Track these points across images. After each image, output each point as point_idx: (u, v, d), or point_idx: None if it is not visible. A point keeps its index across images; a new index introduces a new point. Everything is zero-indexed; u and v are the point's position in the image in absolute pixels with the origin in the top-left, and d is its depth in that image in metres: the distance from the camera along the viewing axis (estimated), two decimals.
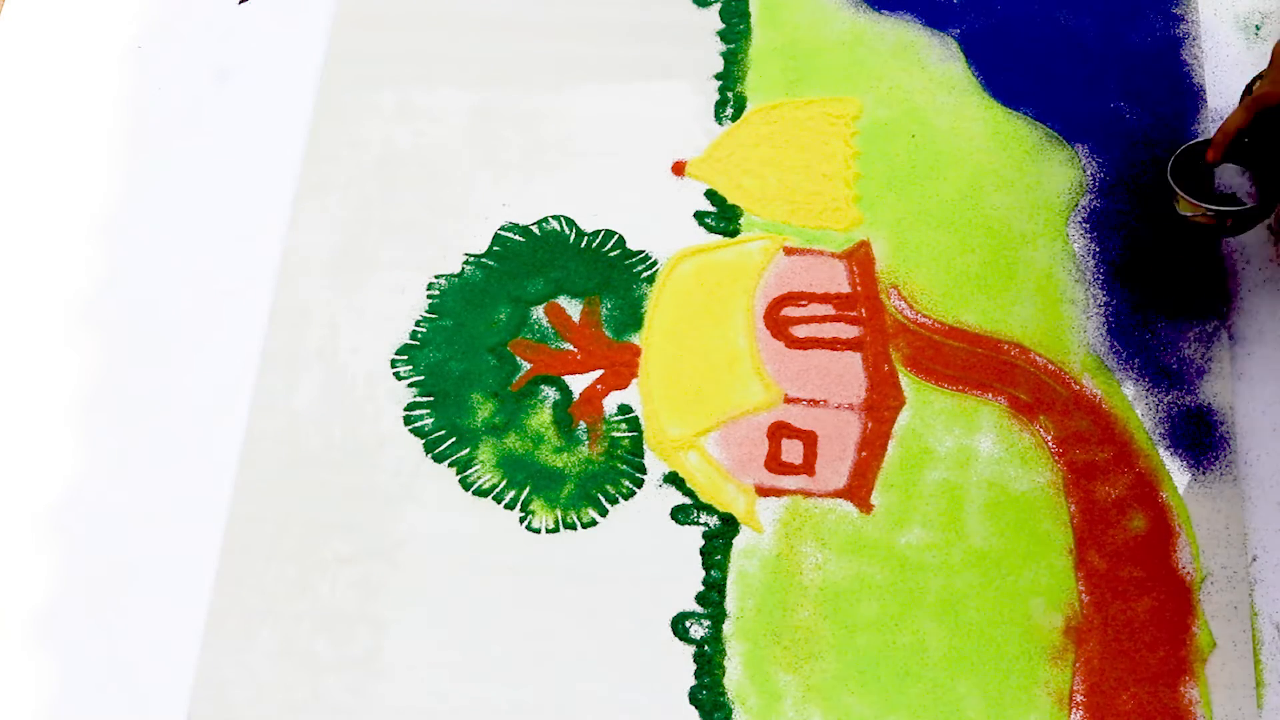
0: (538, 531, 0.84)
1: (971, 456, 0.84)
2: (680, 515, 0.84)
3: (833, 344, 0.88)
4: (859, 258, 0.91)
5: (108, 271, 0.95)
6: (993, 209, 0.91)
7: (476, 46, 1.00)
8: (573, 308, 0.91)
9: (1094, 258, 0.89)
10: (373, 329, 0.91)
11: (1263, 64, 0.93)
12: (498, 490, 0.85)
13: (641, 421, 0.87)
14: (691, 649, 0.81)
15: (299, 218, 0.95)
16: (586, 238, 0.93)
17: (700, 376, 0.88)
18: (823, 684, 0.79)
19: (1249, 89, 0.92)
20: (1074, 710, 0.78)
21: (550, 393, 0.88)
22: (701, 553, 0.83)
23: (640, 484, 0.85)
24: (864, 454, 0.85)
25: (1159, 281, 0.88)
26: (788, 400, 0.87)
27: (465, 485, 0.86)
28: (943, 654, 0.79)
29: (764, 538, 0.83)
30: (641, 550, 0.83)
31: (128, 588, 0.85)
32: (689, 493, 0.85)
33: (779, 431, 0.86)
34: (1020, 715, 0.78)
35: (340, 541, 0.85)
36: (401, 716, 0.80)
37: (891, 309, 0.89)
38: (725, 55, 0.98)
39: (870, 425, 0.86)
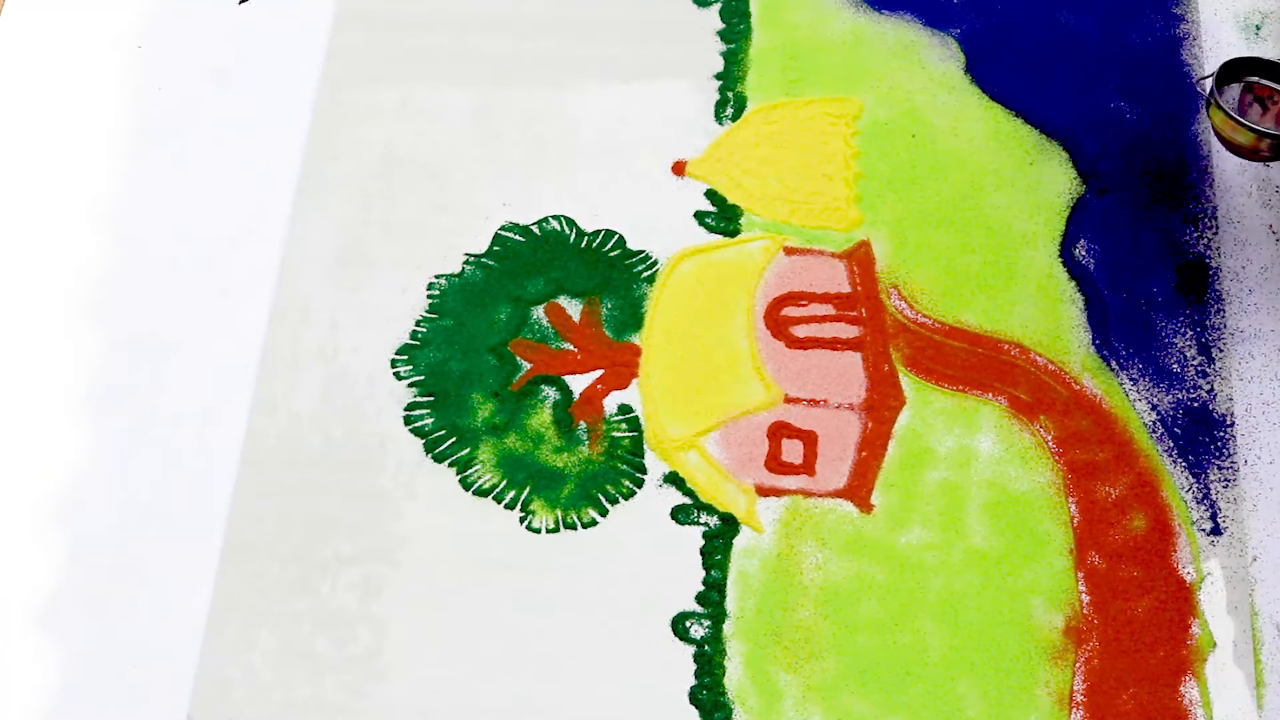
0: (538, 531, 0.84)
1: (971, 456, 0.84)
2: (680, 515, 0.84)
3: (833, 344, 0.88)
4: (859, 258, 0.91)
5: (109, 272, 0.95)
6: (993, 209, 0.91)
7: (477, 46, 1.00)
8: (573, 308, 0.91)
9: (1094, 258, 0.89)
10: (373, 329, 0.91)
11: None
12: (498, 490, 0.85)
13: (641, 421, 0.87)
14: (691, 649, 0.81)
15: (299, 217, 0.95)
16: (586, 238, 0.93)
17: (700, 376, 0.88)
18: (823, 684, 0.79)
19: (1248, 85, 0.92)
20: (1074, 710, 0.78)
21: (550, 393, 0.88)
22: (701, 553, 0.83)
23: (640, 484, 0.85)
24: (864, 454, 0.85)
25: (1159, 281, 0.88)
26: (788, 400, 0.87)
27: (465, 485, 0.86)
28: (943, 654, 0.79)
29: (764, 538, 0.83)
30: (641, 550, 0.83)
31: (128, 587, 0.85)
32: (689, 493, 0.85)
33: (779, 431, 0.86)
34: (1020, 715, 0.78)
35: (340, 541, 0.85)
36: (401, 716, 0.80)
37: (892, 309, 0.89)
38: (725, 55, 0.98)
39: (870, 425, 0.86)
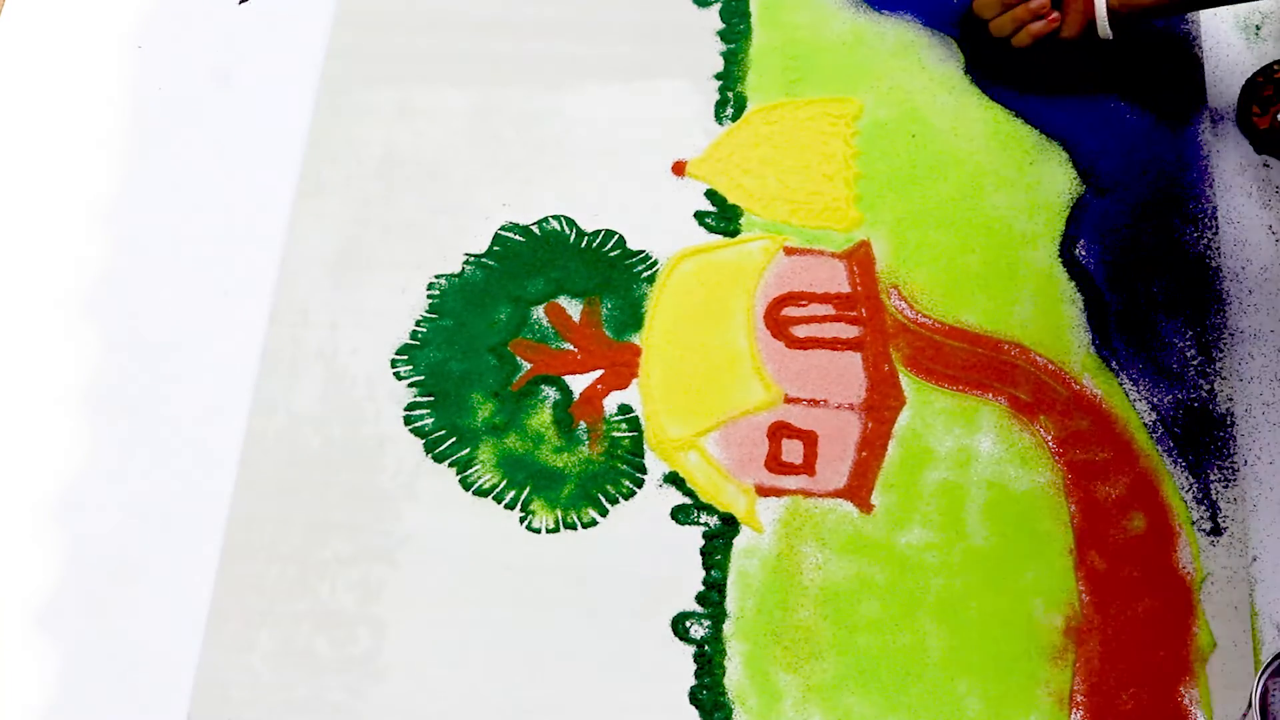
0: (538, 531, 0.84)
1: (971, 456, 0.84)
2: (680, 515, 0.84)
3: (833, 344, 0.88)
4: (859, 258, 0.91)
5: (108, 272, 0.95)
6: (993, 209, 0.91)
7: (476, 46, 1.00)
8: (573, 308, 0.91)
9: (1094, 258, 0.89)
10: (373, 329, 0.91)
11: (1263, 63, 0.93)
12: (498, 490, 0.85)
13: (641, 421, 0.87)
14: (691, 649, 0.81)
15: (299, 218, 0.95)
16: (586, 238, 0.93)
17: (700, 376, 0.88)
18: (823, 684, 0.79)
19: (1249, 83, 0.92)
20: (1074, 710, 0.78)
21: (550, 393, 0.88)
22: (701, 553, 0.83)
23: (640, 484, 0.85)
24: (864, 454, 0.85)
25: (1159, 281, 0.88)
26: (788, 400, 0.87)
27: (465, 485, 0.86)
28: (943, 654, 0.79)
29: (764, 538, 0.83)
30: (641, 550, 0.83)
31: (128, 588, 0.85)
32: (689, 493, 0.85)
33: (779, 431, 0.86)
34: (1020, 715, 0.78)
35: (340, 541, 0.85)
36: (401, 716, 0.80)
37: (891, 309, 0.89)
38: (725, 55, 0.98)
39: (870, 425, 0.86)
